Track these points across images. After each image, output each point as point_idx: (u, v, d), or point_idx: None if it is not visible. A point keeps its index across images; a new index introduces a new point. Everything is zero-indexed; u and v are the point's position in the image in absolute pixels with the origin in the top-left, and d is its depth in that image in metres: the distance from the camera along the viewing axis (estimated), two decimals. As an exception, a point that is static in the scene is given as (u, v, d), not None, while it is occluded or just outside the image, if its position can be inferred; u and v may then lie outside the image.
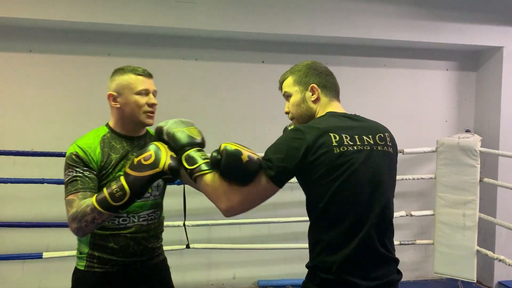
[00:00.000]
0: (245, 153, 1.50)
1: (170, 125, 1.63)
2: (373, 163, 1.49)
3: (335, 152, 1.43)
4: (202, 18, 3.57)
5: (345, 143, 1.46)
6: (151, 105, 1.77)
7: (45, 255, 3.38)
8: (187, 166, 1.53)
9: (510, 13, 4.08)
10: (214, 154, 1.52)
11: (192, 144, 1.57)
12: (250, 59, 3.98)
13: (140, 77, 1.76)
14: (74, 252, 3.45)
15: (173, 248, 3.54)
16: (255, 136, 3.96)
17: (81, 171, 1.64)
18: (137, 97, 1.74)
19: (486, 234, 4.18)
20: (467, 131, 4.24)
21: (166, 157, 1.53)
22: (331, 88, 1.63)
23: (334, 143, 1.44)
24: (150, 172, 1.51)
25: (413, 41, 3.97)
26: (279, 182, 1.45)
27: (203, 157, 1.54)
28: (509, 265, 3.46)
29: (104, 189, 1.54)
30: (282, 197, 4.01)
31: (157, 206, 1.84)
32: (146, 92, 1.76)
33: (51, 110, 3.65)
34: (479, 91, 4.39)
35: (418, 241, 4.05)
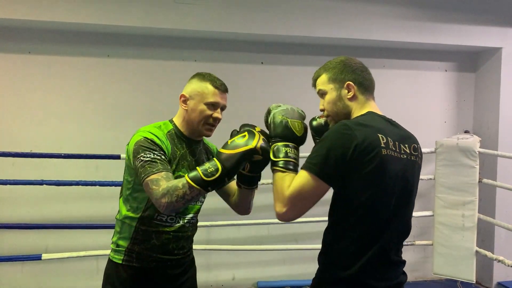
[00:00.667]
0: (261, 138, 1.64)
1: (279, 110, 1.60)
2: (406, 172, 1.50)
3: (383, 153, 1.42)
4: (201, 19, 3.57)
5: (390, 147, 1.45)
6: (215, 120, 1.79)
7: (44, 256, 3.37)
8: (270, 157, 1.53)
9: (509, 14, 4.09)
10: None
11: (286, 137, 1.54)
12: (250, 60, 3.98)
13: (215, 90, 1.77)
14: (74, 254, 3.47)
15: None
16: (255, 137, 3.97)
17: (159, 154, 1.64)
18: (205, 108, 1.75)
19: (485, 235, 4.19)
20: (466, 132, 4.24)
21: (259, 139, 1.54)
22: (368, 85, 1.59)
23: (382, 145, 1.43)
24: (243, 149, 1.52)
25: (412, 42, 3.98)
26: (324, 178, 1.41)
27: (289, 154, 1.50)
28: (508, 265, 3.46)
29: (197, 167, 1.55)
30: (281, 198, 4.02)
31: (199, 211, 1.90)
32: (215, 105, 1.77)
33: (50, 112, 3.64)
34: (478, 92, 4.40)
35: (417, 242, 4.05)
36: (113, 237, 1.81)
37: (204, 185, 1.52)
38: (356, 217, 1.45)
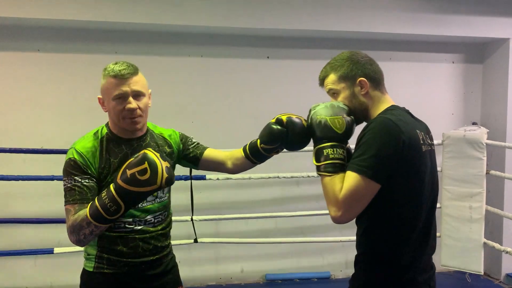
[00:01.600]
0: (302, 118, 1.67)
1: (317, 110, 1.54)
2: (432, 163, 1.53)
3: (423, 150, 1.45)
4: (207, 15, 3.60)
5: (425, 142, 1.49)
6: (130, 111, 1.62)
7: (56, 250, 3.45)
8: (313, 161, 1.50)
9: (516, 5, 4.05)
10: (275, 127, 1.68)
11: (327, 138, 1.49)
12: (255, 55, 4.00)
13: (114, 80, 1.61)
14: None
15: (181, 243, 3.60)
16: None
17: (79, 179, 1.59)
18: (115, 104, 1.63)
19: (494, 227, 4.18)
20: (474, 123, 4.22)
21: (162, 171, 1.46)
22: (379, 78, 1.58)
23: (421, 141, 1.46)
24: (147, 189, 1.45)
25: (419, 34, 3.96)
26: (379, 179, 1.40)
27: (334, 155, 1.46)
28: (516, 257, 3.46)
29: (96, 202, 1.49)
30: (288, 192, 4.06)
31: (164, 207, 1.80)
32: (123, 97, 1.62)
33: (60, 109, 3.71)
34: (485, 83, 4.37)
35: (425, 234, 4.05)
36: (83, 247, 1.74)
37: (109, 222, 1.50)
38: (400, 213, 1.45)
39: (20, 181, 3.41)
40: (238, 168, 1.90)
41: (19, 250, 3.52)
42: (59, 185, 3.45)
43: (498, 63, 4.21)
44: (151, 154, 1.47)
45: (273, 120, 1.72)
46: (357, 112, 1.57)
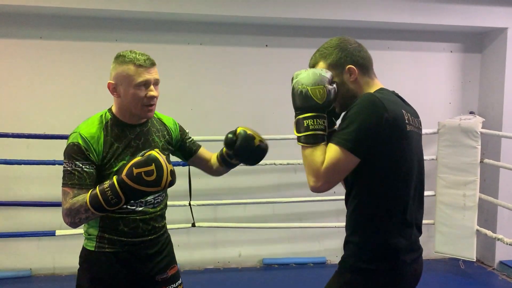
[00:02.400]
0: (257, 138, 1.78)
1: (299, 78, 1.52)
2: (418, 145, 1.58)
3: (407, 129, 1.49)
4: (206, 4, 3.64)
5: (410, 122, 1.52)
6: (151, 98, 1.70)
7: (58, 232, 3.56)
8: (294, 132, 1.51)
9: (515, -6, 4.06)
10: (230, 135, 1.78)
11: (307, 108, 1.48)
12: (254, 43, 4.04)
13: (140, 69, 1.67)
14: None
15: (179, 227, 3.69)
16: (260, 119, 4.06)
17: (80, 164, 1.63)
18: (136, 90, 1.67)
19: (489, 215, 4.24)
20: (471, 113, 4.26)
21: (167, 175, 1.53)
22: (367, 64, 1.59)
23: (406, 121, 1.49)
24: (151, 190, 1.53)
25: (417, 23, 3.98)
26: (358, 153, 1.43)
27: (314, 126, 1.47)
28: (507, 243, 3.52)
29: (98, 191, 1.53)
30: (285, 178, 4.13)
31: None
32: (146, 84, 1.69)
33: (62, 95, 3.78)
34: (483, 73, 4.39)
35: (419, 221, 4.12)
36: (83, 226, 1.78)
37: (106, 211, 1.56)
38: (386, 191, 1.49)
39: (23, 165, 3.51)
40: (217, 172, 2.04)
41: (22, 232, 3.63)
42: (61, 170, 3.56)
43: (496, 52, 4.22)
44: (158, 156, 1.53)
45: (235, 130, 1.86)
46: (346, 99, 1.58)
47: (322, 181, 1.43)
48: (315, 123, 1.47)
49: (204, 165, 2.04)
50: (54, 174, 3.70)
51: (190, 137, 2.03)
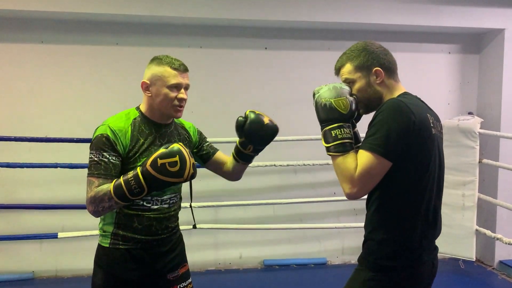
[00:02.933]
0: (266, 118, 1.90)
1: (321, 93, 1.59)
2: (440, 148, 1.62)
3: (433, 133, 1.53)
4: (206, 7, 3.68)
5: (435, 126, 1.56)
6: (181, 100, 1.80)
7: (60, 235, 3.58)
8: (323, 143, 1.57)
9: (512, -5, 4.09)
10: (240, 118, 1.87)
11: (333, 119, 1.55)
12: (254, 46, 4.07)
13: (174, 71, 1.77)
14: (88, 232, 3.66)
15: (181, 228, 3.70)
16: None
17: (107, 156, 1.69)
18: (168, 91, 1.77)
19: (488, 215, 4.26)
20: (470, 113, 4.28)
21: (190, 166, 1.59)
22: (393, 67, 1.65)
23: (431, 124, 1.54)
24: (174, 180, 1.59)
25: (415, 24, 4.01)
26: (390, 157, 1.47)
27: (342, 136, 1.53)
28: (507, 243, 3.54)
29: (122, 181, 1.60)
30: (286, 180, 4.15)
31: (179, 189, 1.95)
32: (178, 87, 1.78)
33: (63, 98, 3.81)
34: (482, 73, 4.42)
35: (419, 222, 4.14)
36: (99, 223, 1.85)
37: (130, 201, 1.63)
38: (410, 192, 1.53)
39: (25, 168, 3.53)
40: (234, 173, 2.08)
41: (24, 234, 3.65)
42: (63, 172, 3.61)
43: (494, 53, 4.25)
44: (183, 149, 1.60)
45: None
46: (372, 101, 1.63)
47: (358, 187, 1.49)
48: (343, 132, 1.54)
49: (221, 169, 2.10)
50: (56, 177, 3.74)
51: (208, 142, 2.11)
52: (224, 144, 3.83)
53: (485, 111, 4.34)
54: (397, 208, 1.55)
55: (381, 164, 1.47)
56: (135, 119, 1.82)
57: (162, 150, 1.60)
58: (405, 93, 1.63)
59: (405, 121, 1.46)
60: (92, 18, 3.70)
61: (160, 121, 1.85)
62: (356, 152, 1.53)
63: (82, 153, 3.80)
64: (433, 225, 1.61)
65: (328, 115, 1.55)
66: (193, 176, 1.62)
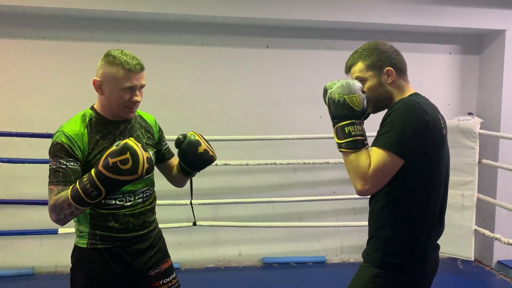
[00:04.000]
0: (203, 146, 1.86)
1: (334, 89, 1.58)
2: (447, 146, 1.65)
3: (444, 133, 1.56)
4: (207, 5, 3.68)
5: (444, 126, 1.59)
6: (134, 103, 1.73)
7: (60, 231, 3.59)
8: (335, 139, 1.56)
9: (513, -4, 4.10)
10: (180, 136, 1.84)
11: (345, 117, 1.54)
12: (255, 44, 4.08)
13: (129, 73, 1.68)
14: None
15: (181, 225, 3.73)
16: (260, 119, 4.10)
17: (65, 162, 1.64)
18: (121, 93, 1.70)
19: (487, 215, 4.27)
20: (470, 114, 4.29)
21: (143, 162, 1.53)
22: (403, 68, 1.66)
23: (442, 125, 1.57)
24: (128, 178, 1.53)
25: (416, 25, 4.02)
26: (403, 155, 1.48)
27: (354, 132, 1.53)
28: (505, 243, 3.56)
29: (77, 186, 1.55)
30: (285, 178, 4.16)
31: (151, 182, 1.90)
32: (132, 89, 1.71)
33: (64, 95, 3.82)
34: (482, 74, 4.43)
35: (418, 221, 4.15)
36: (74, 225, 1.80)
37: (88, 205, 1.58)
38: (419, 190, 1.55)
39: (26, 164, 3.54)
40: (177, 181, 2.05)
41: (25, 230, 3.66)
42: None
43: (495, 54, 4.26)
44: (133, 144, 1.54)
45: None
46: (382, 100, 1.65)
47: (370, 184, 1.49)
48: (355, 129, 1.53)
49: (169, 173, 2.07)
50: (56, 173, 3.74)
51: (167, 145, 2.07)
52: (224, 142, 3.87)
53: (485, 111, 4.35)
54: (406, 206, 1.57)
55: (394, 162, 1.48)
56: (90, 120, 1.76)
57: (112, 148, 1.55)
58: (416, 94, 1.64)
59: (419, 120, 1.48)
60: (94, 15, 3.70)
61: (116, 119, 1.79)
62: (367, 149, 1.54)
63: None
64: (439, 223, 1.63)
65: (341, 111, 1.54)
66: (148, 171, 1.56)
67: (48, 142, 3.61)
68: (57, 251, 3.86)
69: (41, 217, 3.77)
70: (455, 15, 4.03)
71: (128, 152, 1.52)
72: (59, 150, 1.66)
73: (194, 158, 1.87)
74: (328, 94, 1.59)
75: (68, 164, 1.65)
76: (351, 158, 1.52)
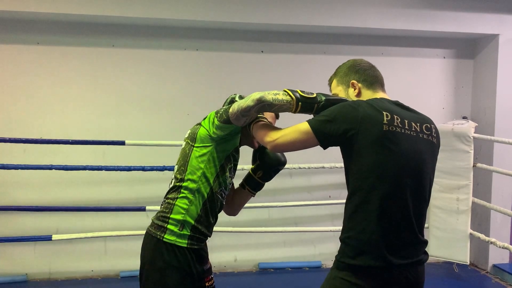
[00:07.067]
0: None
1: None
2: (420, 150, 1.59)
3: (384, 129, 1.54)
4: (202, 10, 3.68)
5: (395, 123, 1.56)
6: None
7: (54, 237, 3.56)
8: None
9: (506, 1, 4.12)
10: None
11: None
12: (250, 49, 4.08)
13: None
14: (82, 235, 3.64)
15: (176, 231, 3.70)
16: (255, 123, 4.09)
17: None
18: None
19: (482, 219, 4.28)
20: (464, 118, 4.31)
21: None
22: (372, 80, 1.74)
23: (385, 121, 1.55)
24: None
25: (410, 29, 4.04)
26: (321, 136, 1.57)
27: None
28: (500, 247, 3.57)
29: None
30: (281, 183, 4.15)
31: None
32: None
33: (58, 100, 3.80)
34: (476, 78, 4.46)
35: (414, 225, 4.15)
36: (172, 214, 1.80)
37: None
38: (365, 190, 1.55)
39: (20, 170, 3.52)
40: (235, 200, 2.08)
41: (18, 236, 3.62)
42: (58, 174, 3.60)
43: (488, 58, 4.29)
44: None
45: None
46: None
47: (277, 139, 1.65)
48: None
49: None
50: (51, 178, 3.72)
51: None
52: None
53: (479, 115, 4.37)
54: (355, 206, 1.57)
55: (306, 134, 1.58)
56: None
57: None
58: (375, 98, 1.66)
59: (351, 116, 1.54)
60: (89, 20, 3.69)
61: None
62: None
63: (77, 155, 3.82)
64: (407, 230, 1.57)
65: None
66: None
67: (41, 147, 3.62)
68: (51, 257, 3.82)
69: (35, 224, 3.75)
70: (449, 20, 4.06)
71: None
72: None
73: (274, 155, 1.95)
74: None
75: None
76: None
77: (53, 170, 3.49)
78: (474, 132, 3.87)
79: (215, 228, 3.87)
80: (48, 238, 3.57)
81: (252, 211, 4.06)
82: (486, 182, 4.22)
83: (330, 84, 1.85)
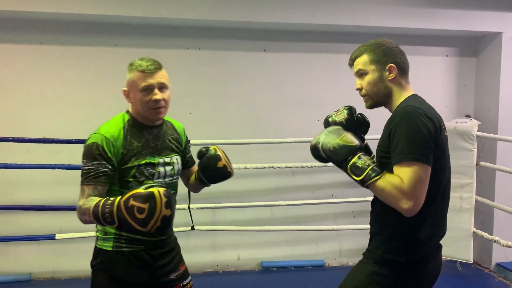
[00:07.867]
0: (223, 162, 1.97)
1: (323, 141, 1.62)
2: (448, 148, 1.66)
3: (445, 134, 1.59)
4: (205, 9, 3.68)
5: (443, 127, 1.60)
6: (155, 102, 1.76)
7: (57, 236, 3.57)
8: (355, 178, 1.53)
9: (509, -1, 4.12)
10: (203, 148, 1.94)
11: (349, 155, 1.56)
12: (252, 48, 4.08)
13: (142, 74, 1.74)
14: (85, 234, 3.65)
15: (179, 230, 3.70)
16: (258, 122, 4.09)
17: (97, 163, 1.69)
18: (141, 95, 1.75)
19: (485, 217, 4.27)
20: (467, 116, 4.30)
21: (157, 219, 1.46)
22: (406, 68, 1.69)
23: (443, 127, 1.59)
24: (137, 227, 1.47)
25: (413, 27, 4.03)
26: (427, 159, 1.48)
27: (367, 163, 1.53)
28: (503, 245, 3.55)
29: (101, 205, 1.54)
30: (284, 182, 4.16)
31: (175, 188, 1.96)
32: (149, 89, 1.75)
33: (61, 99, 3.81)
34: (479, 76, 4.44)
35: (417, 224, 4.15)
36: (96, 226, 1.82)
37: (103, 225, 1.62)
38: (430, 194, 1.54)
39: (23, 169, 3.53)
40: (194, 186, 2.16)
41: (22, 236, 3.64)
42: (61, 174, 3.61)
43: (491, 56, 4.27)
44: (159, 198, 1.47)
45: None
46: (380, 95, 1.67)
47: (414, 200, 1.46)
48: (365, 159, 1.54)
49: (188, 179, 2.15)
50: (54, 178, 3.73)
51: (190, 152, 2.12)
52: (222, 146, 3.84)
53: (482, 113, 4.36)
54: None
55: (424, 169, 1.47)
56: (127, 122, 1.81)
57: (140, 190, 1.50)
58: (415, 96, 1.66)
59: (427, 127, 1.49)
60: (91, 19, 3.70)
61: (148, 123, 1.84)
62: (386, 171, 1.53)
63: (80, 154, 3.81)
64: (442, 224, 1.65)
65: (342, 154, 1.55)
66: (158, 230, 1.48)
67: (44, 146, 3.63)
68: (54, 256, 3.84)
69: (38, 223, 3.76)
70: (452, 17, 4.04)
71: (148, 203, 1.46)
72: (93, 151, 1.71)
73: (212, 172, 1.98)
74: (321, 149, 1.62)
75: (99, 166, 1.70)
76: (380, 185, 1.50)
77: (57, 169, 3.50)
78: (477, 131, 3.87)
79: (218, 227, 3.92)
80: (51, 237, 3.58)
81: (255, 210, 4.06)
82: (490, 181, 4.21)
83: (355, 58, 1.70)
